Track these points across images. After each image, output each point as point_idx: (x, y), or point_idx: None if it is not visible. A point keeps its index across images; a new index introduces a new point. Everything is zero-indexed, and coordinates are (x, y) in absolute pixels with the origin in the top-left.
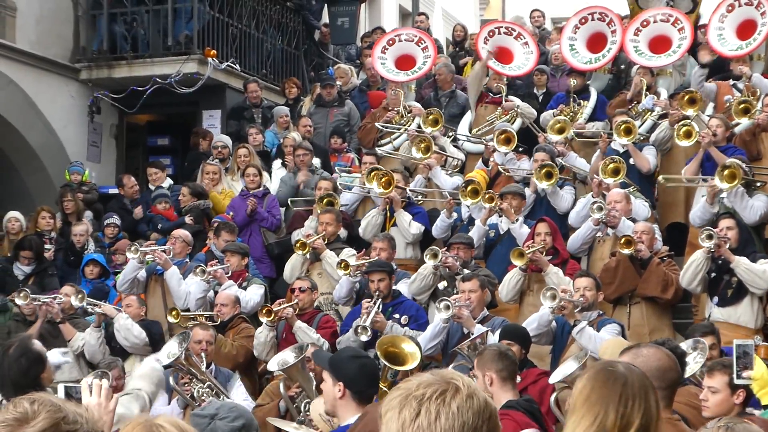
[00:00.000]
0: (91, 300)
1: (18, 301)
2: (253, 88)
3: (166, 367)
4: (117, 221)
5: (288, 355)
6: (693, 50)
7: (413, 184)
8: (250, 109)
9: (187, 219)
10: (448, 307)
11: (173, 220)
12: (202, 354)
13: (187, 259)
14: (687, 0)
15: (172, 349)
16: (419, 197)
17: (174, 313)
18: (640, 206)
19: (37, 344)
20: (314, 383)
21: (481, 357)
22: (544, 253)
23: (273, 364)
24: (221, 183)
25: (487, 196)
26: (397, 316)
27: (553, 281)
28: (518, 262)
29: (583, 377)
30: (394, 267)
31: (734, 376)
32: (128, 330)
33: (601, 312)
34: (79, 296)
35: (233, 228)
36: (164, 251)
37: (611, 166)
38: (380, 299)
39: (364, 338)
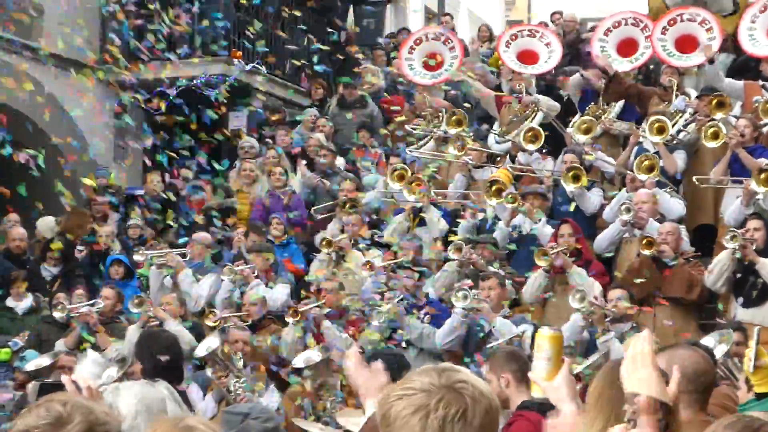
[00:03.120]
0: (147, 305)
1: (56, 314)
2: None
3: (202, 358)
4: (140, 222)
5: (313, 353)
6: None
7: (454, 185)
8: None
9: (200, 219)
10: (465, 297)
11: (199, 211)
12: (239, 354)
13: (206, 263)
14: (728, 1)
15: (211, 343)
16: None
17: (210, 315)
18: (676, 204)
19: None
20: (339, 382)
21: (494, 359)
22: (567, 254)
23: (299, 361)
24: (258, 181)
25: (509, 196)
26: (422, 314)
27: (577, 282)
28: (542, 263)
29: (596, 376)
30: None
31: (751, 364)
32: (179, 336)
33: (634, 324)
34: (137, 301)
35: (261, 229)
36: (182, 254)
37: (646, 162)
38: (404, 295)
39: (375, 323)
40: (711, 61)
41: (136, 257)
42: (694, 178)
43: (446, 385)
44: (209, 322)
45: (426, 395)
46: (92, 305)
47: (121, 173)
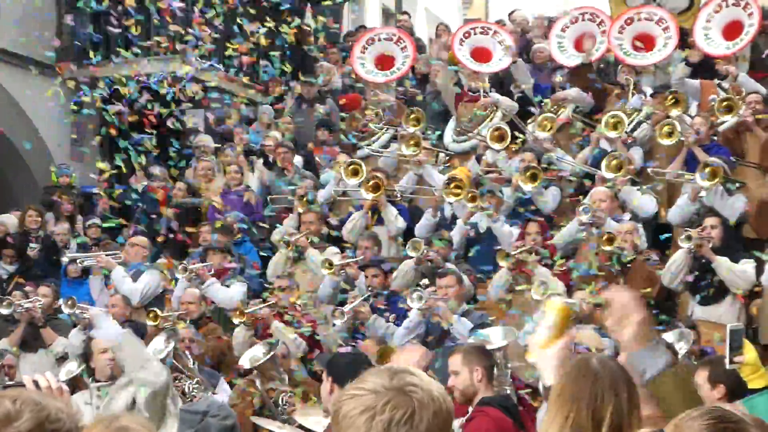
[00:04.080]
0: (81, 306)
1: (2, 311)
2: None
3: None
4: (98, 222)
5: (258, 351)
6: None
7: (403, 182)
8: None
9: (169, 212)
10: (420, 298)
11: (162, 204)
12: (186, 352)
13: (147, 263)
14: None
15: (158, 345)
16: (398, 195)
17: (152, 315)
18: (649, 201)
19: None
20: (287, 378)
21: (468, 351)
22: (533, 253)
23: (245, 361)
24: (215, 179)
25: (469, 195)
26: (387, 314)
27: (541, 281)
28: (503, 263)
29: (559, 372)
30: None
31: (726, 361)
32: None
33: (598, 327)
34: (69, 302)
35: (228, 230)
36: (117, 255)
37: (614, 162)
38: (370, 294)
39: (337, 322)
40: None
41: (63, 259)
42: (649, 170)
43: (396, 387)
44: (150, 322)
45: (374, 396)
46: (32, 302)
47: (78, 171)
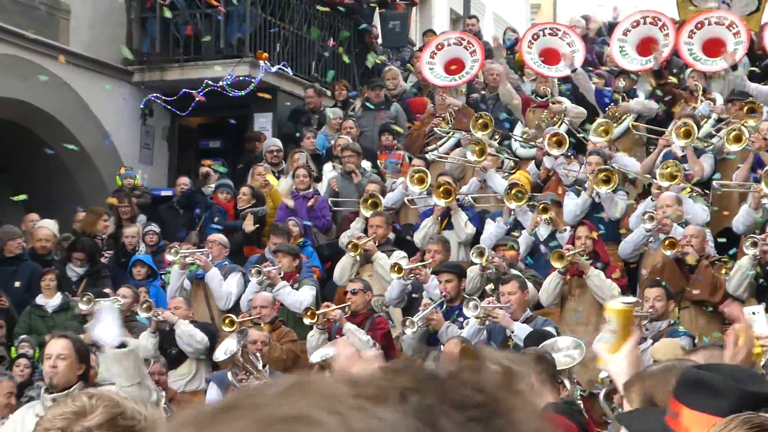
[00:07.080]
0: (158, 309)
1: (81, 306)
2: (310, 94)
3: (223, 363)
4: (156, 229)
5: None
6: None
7: (467, 188)
8: (307, 113)
9: (249, 223)
10: (476, 307)
11: (231, 214)
12: (258, 354)
13: (226, 262)
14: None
15: (229, 346)
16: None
17: (228, 321)
18: (700, 210)
19: None
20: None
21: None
22: (584, 257)
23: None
24: (283, 182)
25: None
26: (461, 319)
27: (595, 284)
28: (558, 264)
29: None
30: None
31: None
32: (191, 336)
33: (672, 322)
34: (145, 306)
35: (284, 231)
36: (204, 254)
37: (668, 170)
38: (443, 299)
39: (408, 332)
40: (734, 67)
41: (168, 256)
42: (714, 183)
43: None
44: (226, 328)
45: None
46: (113, 302)
47: (147, 174)
